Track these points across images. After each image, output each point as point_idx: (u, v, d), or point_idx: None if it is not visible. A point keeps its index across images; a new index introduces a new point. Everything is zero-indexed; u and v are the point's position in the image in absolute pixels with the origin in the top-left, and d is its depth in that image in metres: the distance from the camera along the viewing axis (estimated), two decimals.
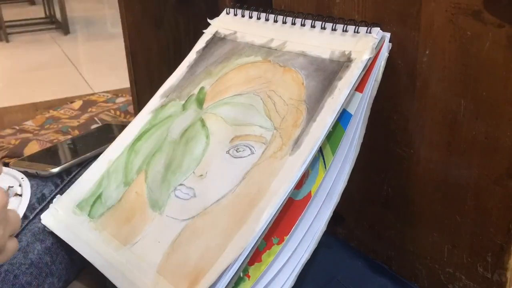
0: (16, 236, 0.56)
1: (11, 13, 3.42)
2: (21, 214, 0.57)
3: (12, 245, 0.41)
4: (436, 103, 0.48)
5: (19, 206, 0.58)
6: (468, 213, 0.49)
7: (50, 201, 0.60)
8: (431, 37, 0.47)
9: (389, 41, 0.50)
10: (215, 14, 0.67)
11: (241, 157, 0.50)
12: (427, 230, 0.53)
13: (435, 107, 0.48)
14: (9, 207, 0.57)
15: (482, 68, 0.44)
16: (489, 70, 0.43)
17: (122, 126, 0.69)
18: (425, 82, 0.48)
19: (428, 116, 0.49)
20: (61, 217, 0.56)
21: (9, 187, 0.61)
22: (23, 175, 0.62)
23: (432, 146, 0.50)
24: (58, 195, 0.59)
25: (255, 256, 0.46)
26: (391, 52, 0.50)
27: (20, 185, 0.61)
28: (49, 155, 0.70)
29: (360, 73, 0.49)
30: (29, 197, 0.59)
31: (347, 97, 0.48)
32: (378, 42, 0.49)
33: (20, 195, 0.59)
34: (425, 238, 0.53)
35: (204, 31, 0.66)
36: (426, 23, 0.47)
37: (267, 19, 0.60)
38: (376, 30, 0.50)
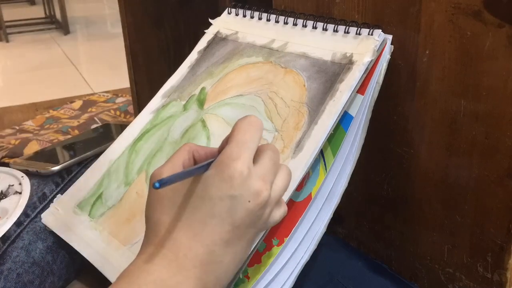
0: (19, 235, 0.56)
1: (11, 13, 3.42)
2: (20, 211, 0.57)
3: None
4: (436, 103, 0.48)
5: (18, 203, 0.58)
6: (468, 213, 0.49)
7: (51, 200, 0.60)
8: (431, 37, 0.47)
9: (391, 44, 0.50)
10: (215, 14, 0.67)
11: None
12: (427, 230, 0.53)
13: (435, 107, 0.48)
14: (9, 204, 0.58)
15: (482, 68, 0.44)
16: (489, 70, 0.43)
17: (122, 126, 0.69)
18: (425, 82, 0.48)
19: (428, 116, 0.49)
20: (61, 217, 0.56)
21: (9, 185, 0.61)
22: (23, 174, 0.62)
23: (432, 146, 0.50)
24: (59, 195, 0.59)
25: (255, 257, 0.46)
26: (391, 52, 0.50)
27: (20, 184, 0.61)
28: (50, 154, 0.70)
29: (362, 75, 0.49)
30: (28, 194, 0.59)
31: (348, 99, 0.48)
32: (380, 44, 0.49)
33: (20, 193, 0.60)
34: (425, 238, 0.53)
35: (205, 31, 0.66)
36: (426, 23, 0.47)
37: (268, 20, 0.60)
38: (378, 32, 0.50)
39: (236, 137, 0.38)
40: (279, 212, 0.41)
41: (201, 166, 0.38)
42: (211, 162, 0.38)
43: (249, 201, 0.36)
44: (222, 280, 0.38)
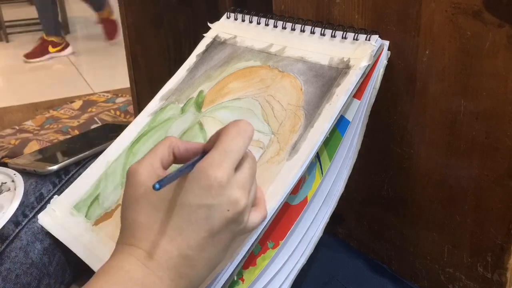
0: (17, 235, 0.56)
1: (11, 13, 3.42)
2: (14, 208, 0.57)
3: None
4: (436, 103, 0.48)
5: (12, 200, 0.58)
6: (468, 213, 0.49)
7: (48, 201, 0.60)
8: (431, 37, 0.47)
9: (388, 49, 0.50)
10: (215, 14, 0.67)
11: None
12: (427, 230, 0.53)
13: (435, 107, 0.48)
14: (3, 201, 0.58)
15: (482, 68, 0.44)
16: (489, 70, 0.43)
17: (122, 126, 0.69)
18: (425, 82, 0.48)
19: (428, 116, 0.49)
20: (58, 218, 0.56)
21: (2, 183, 0.61)
22: (15, 172, 0.62)
23: (432, 146, 0.50)
24: (56, 196, 0.59)
25: (250, 259, 0.46)
26: (391, 52, 0.50)
27: (13, 181, 0.61)
28: (47, 153, 0.70)
29: (358, 80, 0.49)
30: (22, 191, 0.59)
31: (345, 103, 0.48)
32: (377, 50, 0.50)
33: (14, 189, 0.60)
34: (425, 238, 0.53)
35: (204, 35, 0.66)
36: (426, 23, 0.47)
37: (267, 24, 0.60)
38: (375, 38, 0.50)
39: (221, 143, 0.38)
40: (257, 216, 0.41)
41: (189, 164, 0.38)
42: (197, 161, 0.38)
43: (228, 210, 0.37)
44: (195, 283, 0.38)
